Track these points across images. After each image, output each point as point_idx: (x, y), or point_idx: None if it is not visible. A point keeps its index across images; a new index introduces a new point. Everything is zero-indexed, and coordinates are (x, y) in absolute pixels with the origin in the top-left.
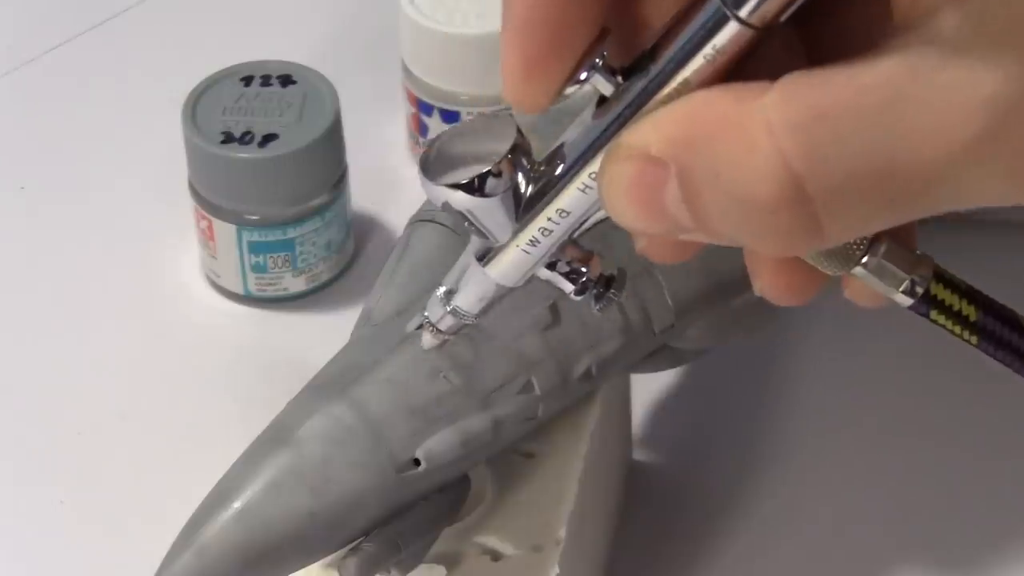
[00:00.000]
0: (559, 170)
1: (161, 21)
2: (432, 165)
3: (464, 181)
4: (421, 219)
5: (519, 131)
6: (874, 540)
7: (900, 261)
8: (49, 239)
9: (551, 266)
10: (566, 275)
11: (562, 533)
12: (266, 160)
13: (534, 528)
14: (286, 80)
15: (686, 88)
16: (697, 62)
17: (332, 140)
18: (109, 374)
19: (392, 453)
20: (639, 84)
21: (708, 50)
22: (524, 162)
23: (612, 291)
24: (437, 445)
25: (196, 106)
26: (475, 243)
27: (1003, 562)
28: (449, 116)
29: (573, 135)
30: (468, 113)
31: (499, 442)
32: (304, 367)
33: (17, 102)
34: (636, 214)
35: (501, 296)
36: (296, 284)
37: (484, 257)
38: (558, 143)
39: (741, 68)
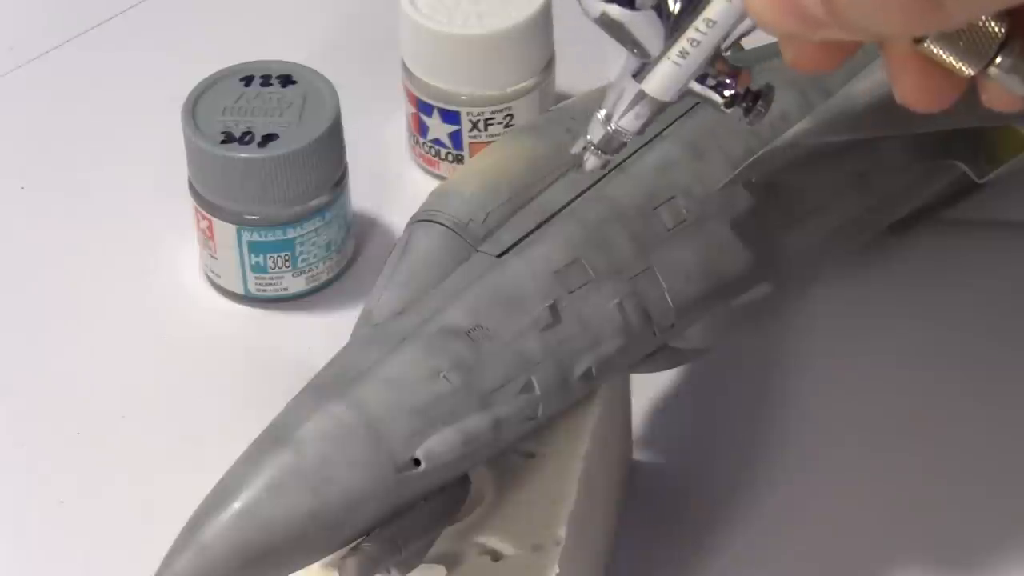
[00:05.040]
0: None
1: (161, 21)
2: None
3: None
4: (421, 219)
5: None
6: (874, 540)
7: None
8: (49, 239)
9: (701, 80)
10: (715, 88)
11: (562, 533)
12: (266, 160)
13: (534, 528)
14: (286, 80)
15: None
16: None
17: (332, 140)
18: (109, 374)
19: (392, 453)
20: None
21: None
22: None
23: (760, 104)
24: (437, 445)
25: (196, 106)
26: (630, 61)
27: (1003, 562)
28: (449, 116)
29: None
30: (468, 113)
31: (499, 442)
32: (304, 367)
33: (17, 102)
34: (775, 12)
35: (657, 111)
36: (296, 284)
37: (639, 73)
38: None
39: None
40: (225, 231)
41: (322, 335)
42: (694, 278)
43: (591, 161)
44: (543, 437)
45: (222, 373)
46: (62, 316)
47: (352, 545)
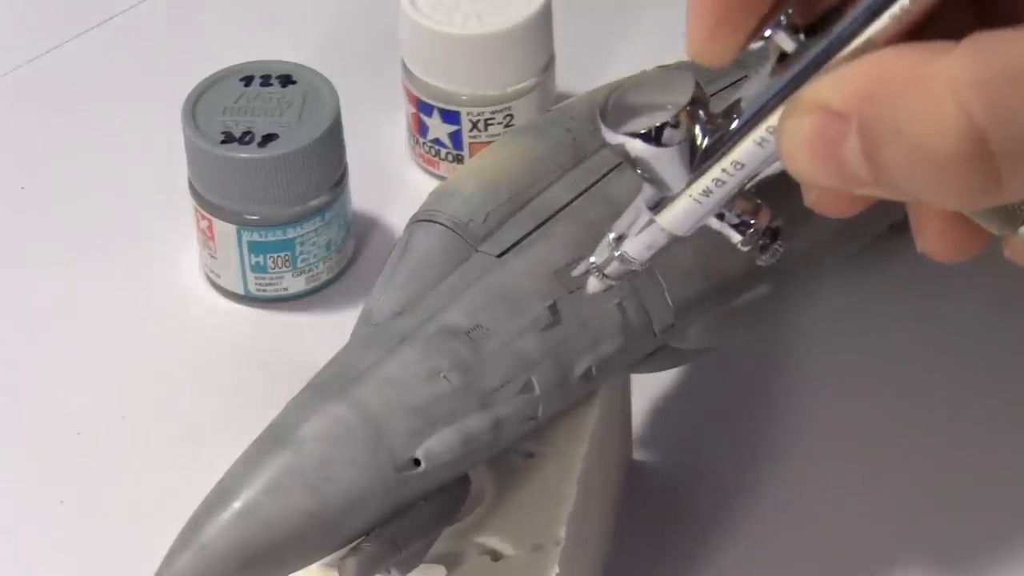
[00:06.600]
0: (736, 123)
1: (161, 21)
2: (611, 114)
3: (643, 130)
4: (421, 219)
5: (697, 84)
6: (874, 539)
7: None
8: (49, 239)
9: (720, 216)
10: (735, 226)
11: (562, 533)
12: (266, 160)
13: (534, 528)
14: (286, 80)
15: (869, 47)
16: (883, 21)
17: (332, 140)
18: (109, 374)
19: (392, 453)
20: (822, 42)
21: (895, 9)
22: (701, 114)
23: (778, 242)
24: (437, 445)
25: (196, 106)
26: (647, 192)
27: (1003, 562)
28: (449, 116)
29: (751, 90)
30: (468, 113)
31: (499, 442)
32: (304, 367)
33: (17, 102)
34: (815, 167)
35: (669, 245)
36: (296, 284)
37: (656, 206)
38: (735, 98)
39: (920, 32)
40: (225, 231)
41: (322, 335)
42: (694, 278)
43: (593, 284)
44: (543, 437)
45: (222, 373)
46: (62, 316)
47: (352, 545)
